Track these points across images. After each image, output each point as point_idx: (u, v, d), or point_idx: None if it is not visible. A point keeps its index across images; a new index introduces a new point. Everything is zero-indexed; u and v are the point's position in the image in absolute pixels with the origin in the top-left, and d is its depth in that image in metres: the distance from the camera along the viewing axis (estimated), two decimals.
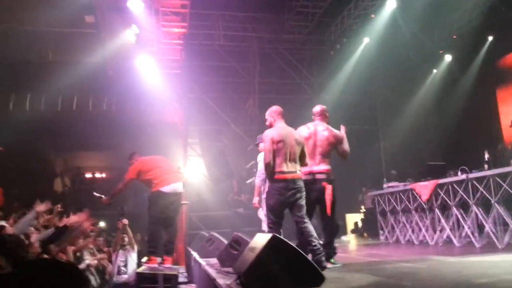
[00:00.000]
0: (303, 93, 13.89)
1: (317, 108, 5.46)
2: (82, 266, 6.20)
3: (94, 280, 6.78)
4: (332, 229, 5.04)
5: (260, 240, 3.29)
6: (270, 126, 4.74)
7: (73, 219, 5.42)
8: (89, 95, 12.79)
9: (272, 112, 4.81)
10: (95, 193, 6.27)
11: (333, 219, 5.00)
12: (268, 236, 3.17)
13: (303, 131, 5.12)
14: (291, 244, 3.18)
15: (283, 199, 4.39)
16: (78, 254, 6.24)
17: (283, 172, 4.39)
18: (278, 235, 3.19)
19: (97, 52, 11.84)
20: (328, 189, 4.83)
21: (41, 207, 5.05)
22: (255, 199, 5.87)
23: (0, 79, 11.37)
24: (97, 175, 15.15)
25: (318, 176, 4.94)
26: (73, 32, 12.38)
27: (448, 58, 12.87)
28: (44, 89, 11.96)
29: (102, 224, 12.09)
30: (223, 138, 12.37)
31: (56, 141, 12.97)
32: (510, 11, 10.45)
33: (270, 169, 4.42)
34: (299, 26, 13.36)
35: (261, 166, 5.81)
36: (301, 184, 4.48)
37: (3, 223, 4.46)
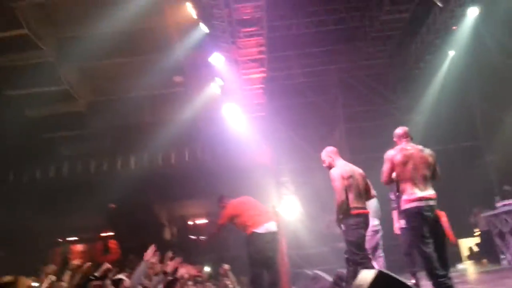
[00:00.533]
0: (391, 117, 13.48)
1: (400, 130, 4.76)
2: None
3: None
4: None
5: (366, 276, 3.20)
6: (330, 166, 4.80)
7: (182, 270, 5.73)
8: (185, 147, 13.66)
9: (329, 153, 4.88)
10: (191, 236, 6.51)
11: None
12: (374, 271, 3.07)
13: (396, 155, 4.59)
14: (398, 277, 3.04)
15: (364, 232, 4.55)
16: None
17: (358, 208, 4.53)
18: (383, 270, 3.08)
19: (187, 108, 12.73)
20: (443, 216, 4.57)
21: (148, 255, 5.37)
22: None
23: (107, 144, 12.68)
24: (198, 221, 15.84)
25: (431, 203, 4.42)
26: (164, 93, 13.50)
27: None
28: (145, 148, 13.05)
29: (207, 269, 12.52)
30: (314, 174, 12.34)
31: (160, 194, 13.93)
32: None
33: (345, 206, 4.47)
34: (377, 51, 13.18)
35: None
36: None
37: (122, 276, 4.83)
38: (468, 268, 10.37)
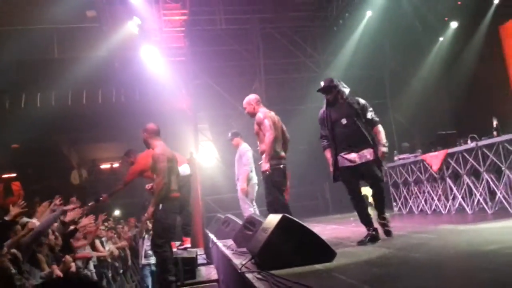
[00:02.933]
0: (309, 71, 13.87)
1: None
2: (106, 253, 6.45)
3: (118, 265, 7.07)
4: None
5: (272, 220, 3.41)
6: (252, 113, 4.99)
7: (84, 222, 5.65)
8: (98, 88, 12.94)
9: (252, 100, 5.04)
10: (89, 204, 6.39)
11: None
12: (279, 216, 3.29)
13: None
14: (301, 223, 3.30)
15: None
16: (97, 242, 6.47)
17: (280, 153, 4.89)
18: (288, 215, 3.31)
19: (102, 46, 11.95)
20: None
21: (70, 206, 5.23)
22: (244, 185, 6.42)
23: (10, 79, 11.57)
24: (115, 165, 15.42)
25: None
26: (76, 27, 12.48)
27: (453, 25, 12.65)
28: (53, 86, 12.14)
29: (117, 213, 12.47)
30: (232, 122, 12.47)
31: (69, 135, 13.23)
32: None
33: (274, 147, 4.72)
34: (300, 4, 13.24)
35: (249, 156, 6.57)
36: None
37: (27, 219, 4.65)
38: None
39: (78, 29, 12.84)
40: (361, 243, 4.22)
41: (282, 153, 4.91)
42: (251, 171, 6.66)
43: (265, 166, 4.64)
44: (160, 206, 4.56)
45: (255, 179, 6.71)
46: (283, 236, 3.17)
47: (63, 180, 13.13)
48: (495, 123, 6.27)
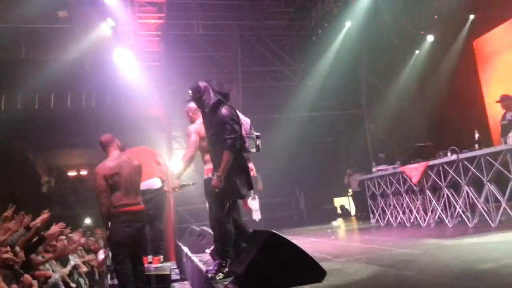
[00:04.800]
0: (287, 80, 13.77)
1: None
2: (67, 268, 5.98)
3: (83, 282, 6.58)
4: None
5: (258, 236, 3.15)
6: (191, 122, 4.46)
7: (53, 229, 5.25)
8: (67, 91, 12.42)
9: (189, 110, 4.50)
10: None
11: None
12: (265, 233, 3.03)
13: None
14: (289, 240, 3.05)
15: None
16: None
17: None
18: (275, 232, 3.05)
19: (73, 48, 11.47)
20: None
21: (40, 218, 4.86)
22: None
23: None
24: (82, 172, 14.84)
25: None
26: (46, 28, 11.95)
27: (430, 38, 12.81)
28: (19, 88, 11.56)
29: (87, 221, 11.88)
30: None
31: (35, 141, 12.59)
32: None
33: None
34: (279, 12, 13.13)
35: None
36: None
37: None
38: (340, 225, 11.28)
39: (49, 29, 12.32)
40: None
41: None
42: None
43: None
44: (109, 223, 4.26)
45: None
46: (270, 254, 2.91)
47: (28, 187, 12.47)
48: (477, 136, 6.21)
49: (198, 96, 3.74)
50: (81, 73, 12.17)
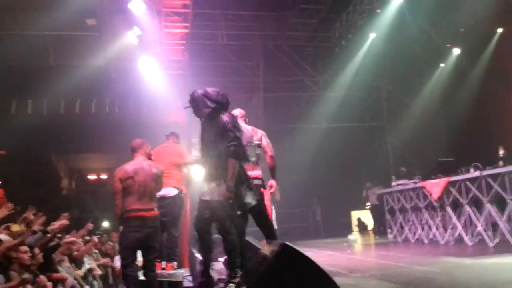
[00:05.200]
0: (308, 90, 13.76)
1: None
2: (82, 271, 6.06)
3: (97, 285, 6.65)
4: None
5: (270, 248, 3.13)
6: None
7: (70, 238, 5.35)
8: (92, 98, 12.63)
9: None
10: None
11: None
12: (278, 244, 3.01)
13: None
14: (302, 252, 3.02)
15: None
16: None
17: None
18: (288, 244, 3.03)
19: (99, 55, 11.70)
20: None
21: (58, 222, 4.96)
22: None
23: (1, 84, 11.26)
24: (102, 176, 15.07)
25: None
26: (74, 35, 12.25)
27: (456, 52, 12.61)
28: (46, 93, 11.83)
29: (105, 224, 12.00)
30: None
31: (59, 145, 12.86)
32: None
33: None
34: (303, 24, 13.20)
35: None
36: None
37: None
38: (357, 239, 11.11)
39: (76, 37, 12.59)
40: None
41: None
42: None
43: None
44: (120, 227, 4.34)
45: None
46: (282, 267, 2.89)
47: (49, 190, 12.73)
48: (501, 152, 6.07)
49: (194, 105, 3.71)
50: (106, 80, 12.39)
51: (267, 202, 4.69)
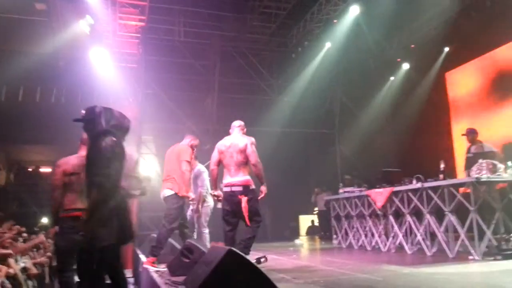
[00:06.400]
0: (263, 94, 13.82)
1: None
2: (12, 271, 5.68)
3: (31, 285, 6.29)
4: None
5: (216, 253, 3.07)
6: None
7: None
8: (37, 86, 12.04)
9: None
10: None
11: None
12: (224, 249, 2.96)
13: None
14: (248, 258, 2.99)
15: None
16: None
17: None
18: (234, 249, 2.99)
19: (48, 42, 11.15)
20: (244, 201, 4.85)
21: None
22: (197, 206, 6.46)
23: None
24: (43, 169, 14.34)
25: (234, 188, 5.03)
26: (21, 19, 11.59)
27: (405, 66, 13.14)
28: None
29: (44, 220, 11.40)
30: (177, 137, 12.02)
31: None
32: (467, 23, 10.76)
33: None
34: (262, 27, 13.24)
35: (204, 178, 6.62)
36: None
37: None
38: (303, 243, 11.26)
39: (24, 21, 11.92)
40: None
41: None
42: (206, 193, 6.47)
43: None
44: (56, 227, 3.99)
45: (210, 202, 6.45)
46: (227, 273, 2.84)
47: None
48: (442, 166, 6.36)
49: (89, 117, 3.25)
50: (54, 69, 11.84)
51: (244, 207, 4.93)
